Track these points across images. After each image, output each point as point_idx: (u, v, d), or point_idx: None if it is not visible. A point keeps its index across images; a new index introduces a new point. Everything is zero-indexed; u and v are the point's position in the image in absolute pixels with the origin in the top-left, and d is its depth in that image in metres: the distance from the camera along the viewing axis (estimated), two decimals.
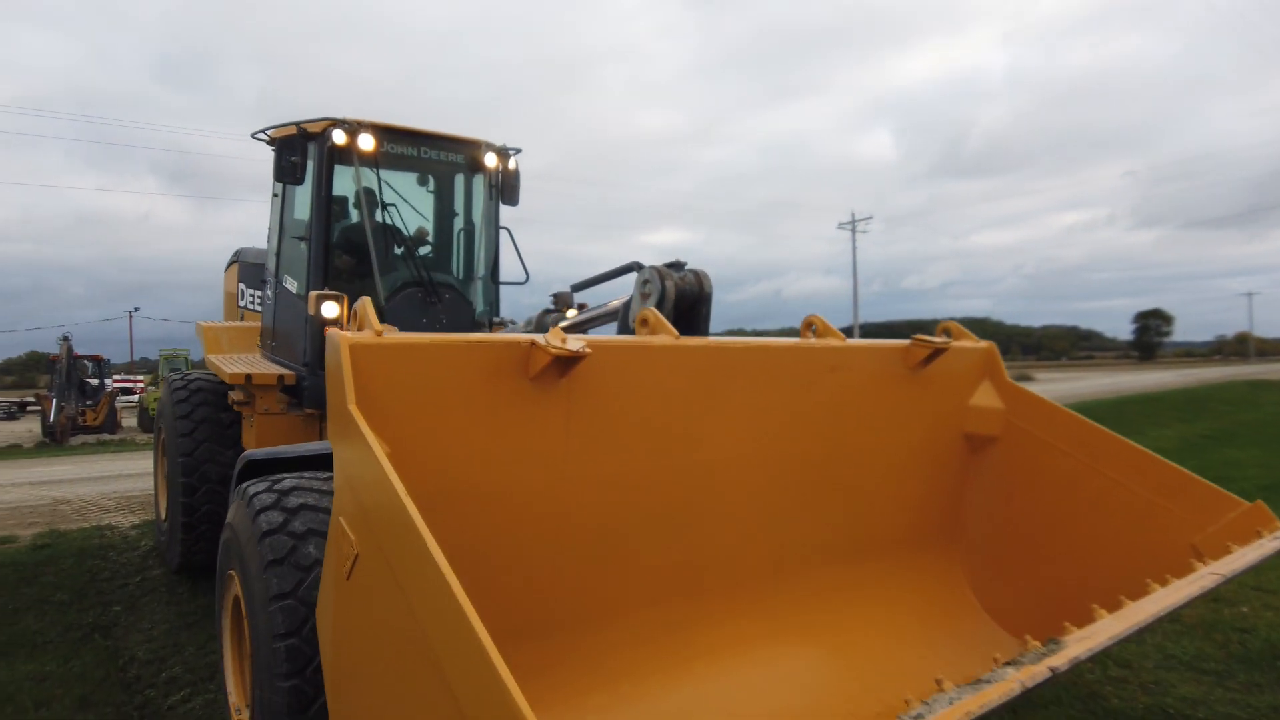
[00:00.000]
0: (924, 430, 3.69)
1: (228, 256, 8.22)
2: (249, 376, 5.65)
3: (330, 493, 2.75)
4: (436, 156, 6.29)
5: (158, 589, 6.29)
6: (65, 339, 23.36)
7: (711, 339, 3.21)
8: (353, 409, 2.06)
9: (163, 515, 6.57)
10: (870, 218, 55.34)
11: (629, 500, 2.84)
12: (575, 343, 2.46)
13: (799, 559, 3.34)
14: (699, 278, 4.20)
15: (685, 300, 4.17)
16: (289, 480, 3.19)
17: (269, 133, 5.98)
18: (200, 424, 6.12)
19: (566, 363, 2.50)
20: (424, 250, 6.31)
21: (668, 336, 2.90)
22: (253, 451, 3.53)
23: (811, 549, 3.38)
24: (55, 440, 20.79)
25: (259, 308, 7.04)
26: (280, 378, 5.65)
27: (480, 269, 6.49)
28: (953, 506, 3.86)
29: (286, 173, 5.66)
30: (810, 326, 3.46)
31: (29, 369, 70.98)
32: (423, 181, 6.43)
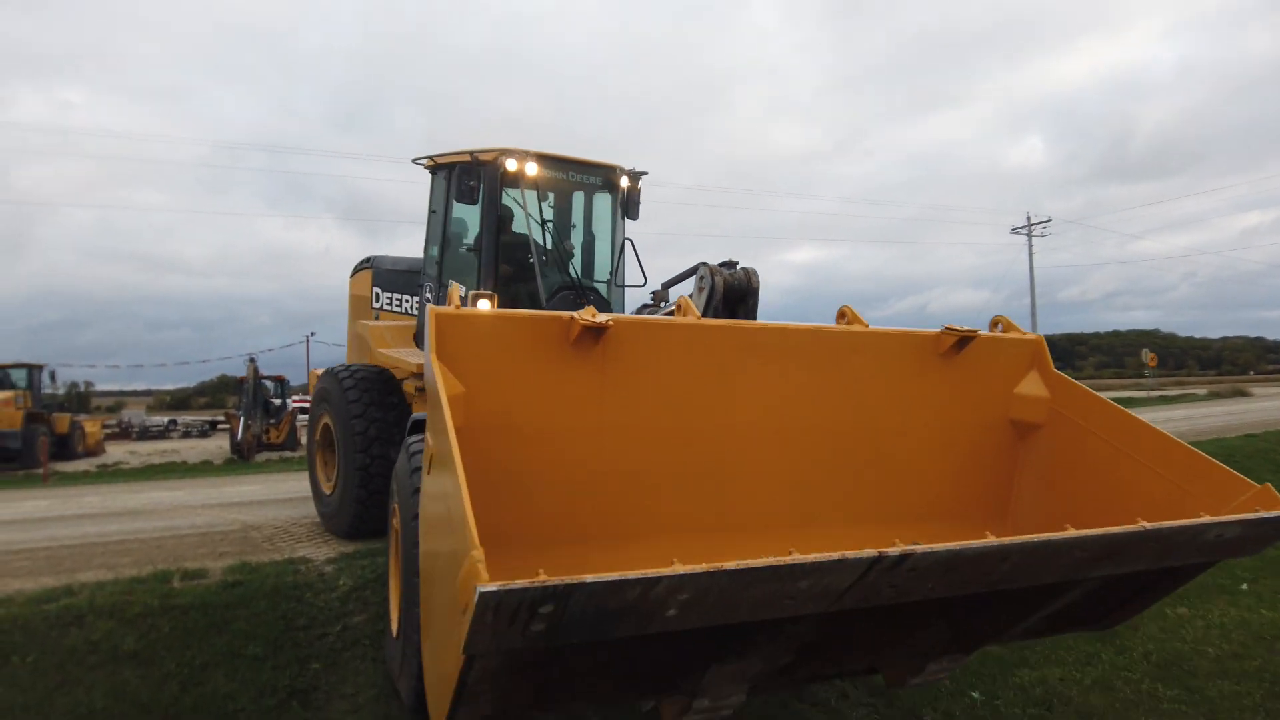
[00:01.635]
0: (963, 413, 3.95)
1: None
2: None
3: None
4: (581, 179, 7.38)
5: (360, 641, 5.26)
6: (252, 361, 24.21)
7: (731, 321, 4.08)
8: (433, 358, 2.94)
9: (326, 489, 8.00)
10: (1049, 220, 49.31)
11: (655, 449, 3.43)
12: (603, 318, 3.20)
13: (825, 517, 3.71)
14: (748, 274, 5.09)
15: (734, 293, 4.97)
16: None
17: (435, 159, 7.21)
18: (369, 406, 7.26)
19: (596, 332, 3.23)
20: (572, 258, 7.31)
21: (692, 318, 3.50)
22: (418, 413, 4.55)
23: (837, 509, 3.74)
24: (242, 457, 21.31)
25: (396, 309, 8.41)
26: None
27: (614, 274, 7.53)
28: (997, 487, 4.07)
29: (465, 194, 6.60)
30: (843, 316, 3.80)
31: (220, 391, 76.69)
32: (570, 199, 7.51)
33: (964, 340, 3.81)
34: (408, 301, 8.37)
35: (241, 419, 21.96)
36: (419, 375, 6.87)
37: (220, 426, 36.21)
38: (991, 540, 2.34)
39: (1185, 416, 22.58)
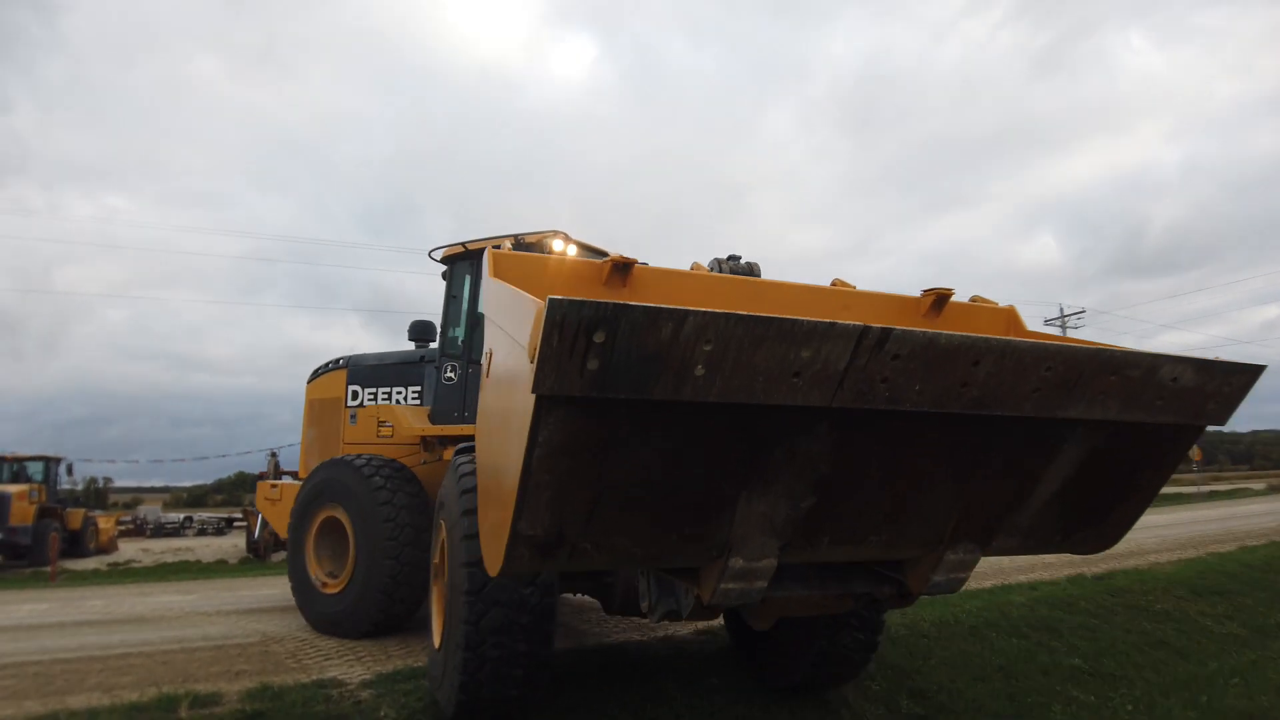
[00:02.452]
0: None
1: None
2: None
3: None
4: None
5: None
6: (273, 455, 23.28)
7: (739, 276, 4.75)
8: (493, 275, 3.61)
9: (329, 589, 7.59)
10: (1083, 311, 47.71)
11: None
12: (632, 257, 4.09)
13: None
14: (750, 267, 5.68)
15: None
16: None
17: (466, 245, 8.07)
18: (396, 494, 7.40)
19: (623, 271, 4.08)
20: None
21: (704, 273, 4.60)
22: (464, 442, 5.45)
23: None
24: (258, 556, 20.21)
25: (374, 403, 8.90)
26: None
27: None
28: None
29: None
30: (836, 283, 4.57)
31: (237, 488, 75.61)
32: None
33: (942, 300, 4.44)
34: (398, 395, 8.79)
35: (259, 516, 20.96)
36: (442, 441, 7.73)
37: (237, 524, 35.10)
38: (963, 334, 2.67)
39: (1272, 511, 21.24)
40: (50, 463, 22.58)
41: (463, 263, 8.17)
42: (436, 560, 5.45)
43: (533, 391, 2.36)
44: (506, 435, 2.91)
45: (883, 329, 2.54)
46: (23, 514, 19.46)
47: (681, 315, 2.34)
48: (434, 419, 7.89)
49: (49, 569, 16.90)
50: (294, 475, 26.20)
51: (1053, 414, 3.05)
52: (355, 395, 9.02)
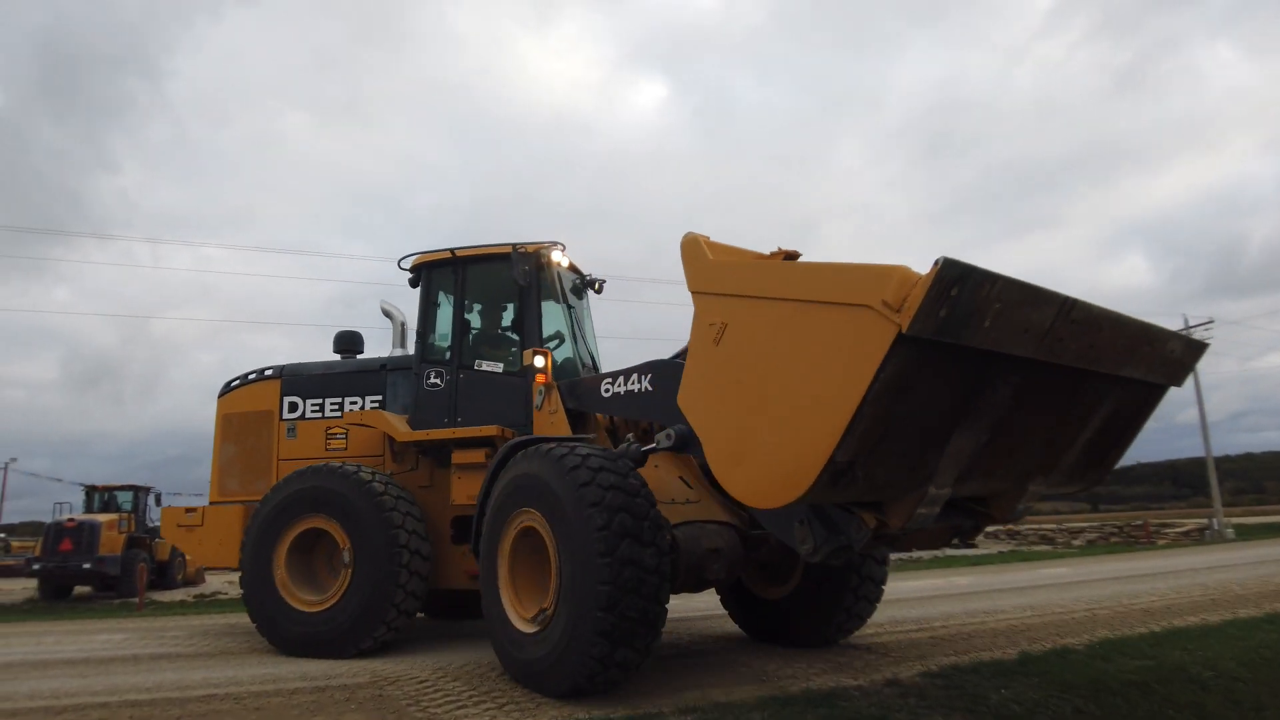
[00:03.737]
0: None
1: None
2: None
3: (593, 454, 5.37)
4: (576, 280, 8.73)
5: None
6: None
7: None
8: (695, 235, 5.11)
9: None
10: (1211, 322, 39.50)
11: None
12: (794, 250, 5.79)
13: None
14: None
15: None
16: (580, 448, 5.44)
17: (471, 250, 8.08)
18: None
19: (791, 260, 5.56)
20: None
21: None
22: (518, 438, 6.32)
23: None
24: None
25: (319, 416, 8.53)
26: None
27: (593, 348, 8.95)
28: None
29: (523, 277, 7.57)
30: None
31: None
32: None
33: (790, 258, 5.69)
34: (352, 405, 8.38)
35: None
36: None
37: None
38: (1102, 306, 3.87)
39: None
40: (139, 492, 21.91)
41: (443, 270, 8.12)
42: (509, 544, 5.68)
43: (906, 332, 3.32)
44: (798, 381, 3.90)
45: (1074, 300, 3.71)
46: (111, 544, 18.67)
47: (995, 277, 3.36)
48: (416, 426, 7.73)
49: (135, 600, 16.06)
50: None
51: (1117, 371, 4.23)
52: (294, 407, 8.58)
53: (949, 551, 20.87)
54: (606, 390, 6.76)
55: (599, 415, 7.42)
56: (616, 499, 5.08)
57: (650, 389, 6.38)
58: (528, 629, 5.42)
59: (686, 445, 5.77)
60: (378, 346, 9.70)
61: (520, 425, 7.33)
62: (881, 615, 7.58)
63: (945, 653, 6.45)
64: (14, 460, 41.53)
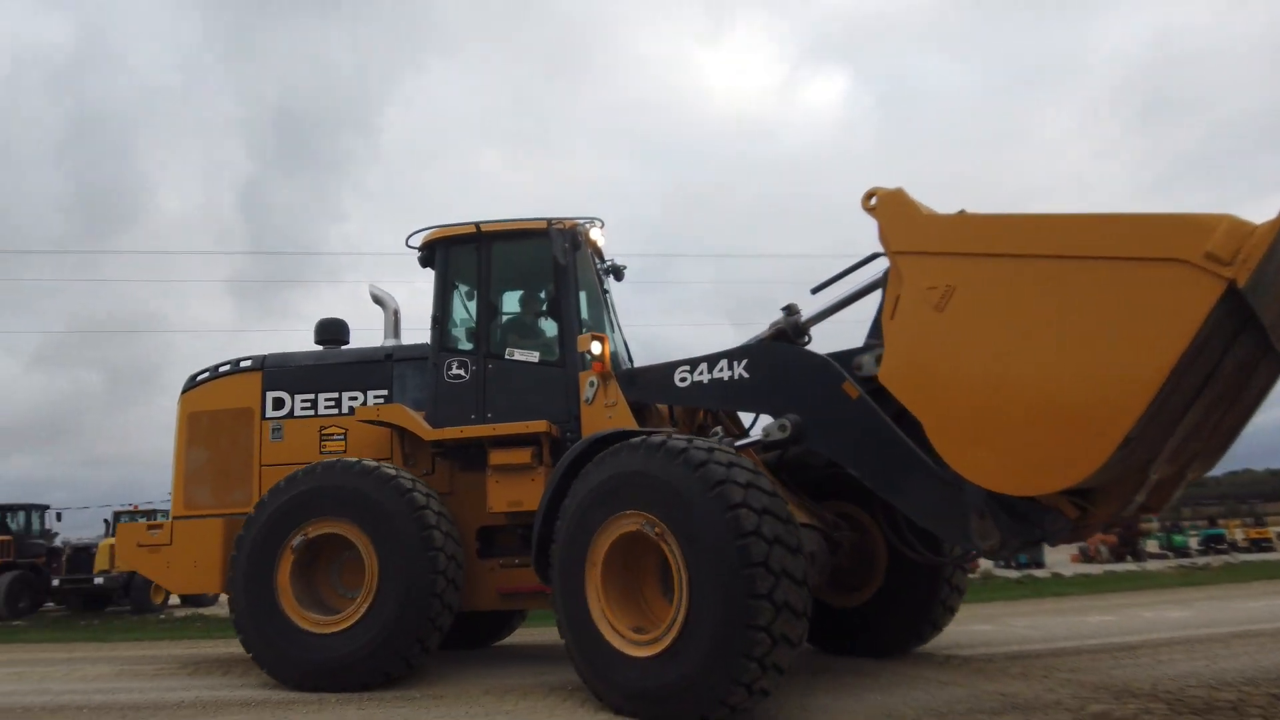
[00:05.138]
0: None
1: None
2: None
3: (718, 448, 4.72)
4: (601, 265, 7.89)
5: None
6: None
7: None
8: (896, 189, 4.61)
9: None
10: None
11: None
12: None
13: None
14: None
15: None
16: (698, 441, 4.79)
17: (479, 225, 7.12)
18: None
19: None
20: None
21: None
22: (603, 431, 5.56)
23: None
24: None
25: (309, 413, 7.41)
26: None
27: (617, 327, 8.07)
28: None
29: (563, 255, 6.86)
30: None
31: None
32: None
33: None
34: (352, 401, 7.34)
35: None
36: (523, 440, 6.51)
37: None
38: None
39: None
40: (32, 512, 19.97)
41: (464, 248, 7.17)
42: (603, 552, 4.91)
43: (1243, 287, 3.08)
44: (1077, 348, 3.54)
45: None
46: None
47: None
48: (435, 423, 6.75)
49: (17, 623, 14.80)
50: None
51: None
52: (280, 404, 7.45)
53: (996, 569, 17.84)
54: (683, 379, 6.05)
55: (661, 407, 6.71)
56: (758, 499, 4.46)
57: (746, 375, 5.72)
58: (638, 651, 4.69)
59: (803, 437, 5.22)
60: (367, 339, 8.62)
61: (562, 421, 6.56)
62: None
63: None
64: None
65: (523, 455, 6.41)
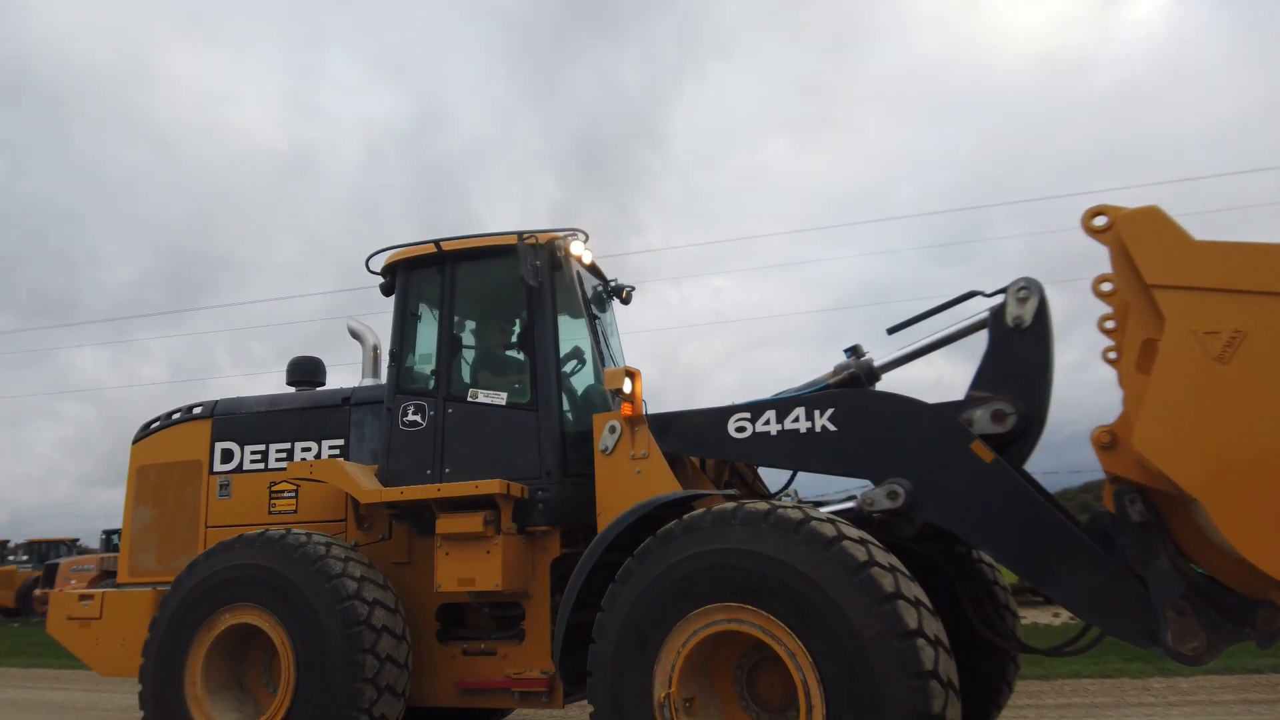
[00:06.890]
0: None
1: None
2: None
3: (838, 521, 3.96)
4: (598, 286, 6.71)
5: None
6: None
7: None
8: (1155, 209, 3.65)
9: None
10: None
11: None
12: None
13: None
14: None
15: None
16: (813, 512, 4.00)
17: (438, 244, 6.05)
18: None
19: None
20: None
21: None
22: (673, 494, 4.73)
23: None
24: None
25: (259, 467, 6.44)
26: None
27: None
28: None
29: (531, 275, 5.62)
30: None
31: None
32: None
33: None
34: (305, 451, 6.31)
35: None
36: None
37: None
38: None
39: None
40: None
41: (425, 271, 6.14)
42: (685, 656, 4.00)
43: None
44: None
45: None
46: None
47: None
48: (387, 480, 5.75)
49: None
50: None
51: None
52: (229, 456, 6.53)
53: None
54: (741, 428, 4.91)
55: (696, 461, 5.58)
56: (891, 582, 3.78)
57: (833, 428, 4.67)
58: None
59: (916, 508, 4.33)
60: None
61: (533, 478, 5.41)
62: None
63: None
64: None
65: (473, 522, 5.23)
